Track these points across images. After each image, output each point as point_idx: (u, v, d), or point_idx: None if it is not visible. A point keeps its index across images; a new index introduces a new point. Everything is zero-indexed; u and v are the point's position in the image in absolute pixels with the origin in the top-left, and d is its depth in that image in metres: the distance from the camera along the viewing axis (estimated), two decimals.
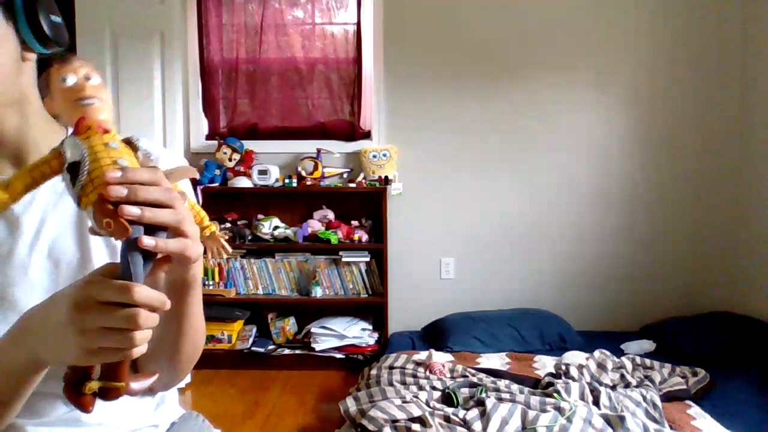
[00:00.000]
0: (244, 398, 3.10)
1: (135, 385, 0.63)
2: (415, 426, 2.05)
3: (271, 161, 3.57)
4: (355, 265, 3.53)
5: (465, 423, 2.08)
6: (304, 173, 3.50)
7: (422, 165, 3.60)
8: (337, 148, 3.60)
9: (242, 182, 3.48)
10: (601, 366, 2.72)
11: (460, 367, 2.72)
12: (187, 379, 3.07)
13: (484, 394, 2.30)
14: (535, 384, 2.57)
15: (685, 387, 2.53)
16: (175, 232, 0.61)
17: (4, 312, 0.79)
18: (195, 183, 3.38)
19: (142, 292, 0.57)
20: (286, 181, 3.50)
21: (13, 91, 0.78)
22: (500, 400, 2.23)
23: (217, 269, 3.56)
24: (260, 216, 3.59)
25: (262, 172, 3.49)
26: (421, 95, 3.59)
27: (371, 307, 3.59)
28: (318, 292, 3.48)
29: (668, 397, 2.43)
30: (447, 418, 2.12)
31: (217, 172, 3.51)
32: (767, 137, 3.30)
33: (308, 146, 3.59)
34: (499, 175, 3.61)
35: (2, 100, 0.77)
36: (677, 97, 3.54)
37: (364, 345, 3.44)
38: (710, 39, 3.50)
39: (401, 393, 2.38)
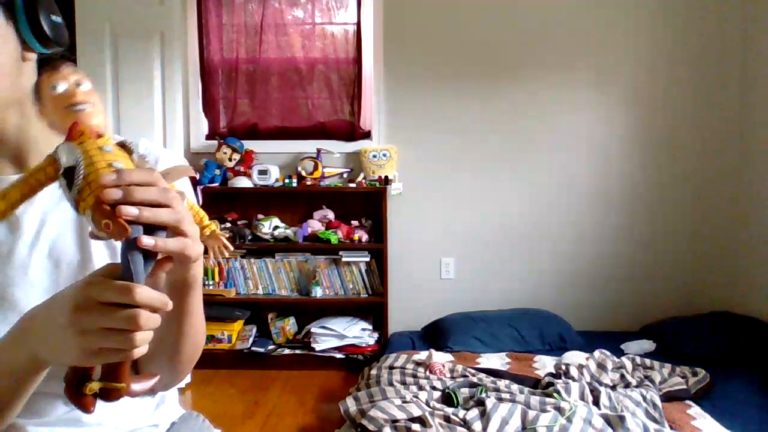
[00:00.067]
0: (244, 398, 3.10)
1: (136, 386, 0.62)
2: (415, 426, 2.05)
3: (271, 161, 3.57)
4: (355, 265, 3.53)
5: (465, 423, 2.08)
6: (304, 173, 3.50)
7: (422, 165, 3.60)
8: (337, 148, 3.60)
9: (242, 182, 3.48)
10: (601, 366, 2.72)
11: (460, 367, 2.72)
12: (187, 379, 3.07)
13: (484, 394, 2.30)
14: (535, 384, 2.57)
15: (685, 387, 2.53)
16: (174, 231, 0.61)
17: (4, 312, 0.79)
18: (195, 183, 3.38)
19: (143, 292, 0.57)
20: (286, 181, 3.50)
21: (13, 91, 0.78)
22: (500, 400, 2.23)
23: (217, 269, 3.56)
24: (260, 216, 3.59)
25: (262, 172, 3.49)
26: (421, 95, 3.59)
27: (371, 307, 3.59)
28: (318, 292, 3.48)
29: (668, 397, 2.44)
30: (447, 418, 2.12)
31: (217, 172, 3.51)
32: (767, 137, 3.30)
33: (308, 146, 3.59)
34: (499, 175, 3.61)
35: (3, 99, 0.77)
36: (677, 97, 3.54)
37: (364, 345, 3.44)
38: (710, 39, 3.50)
39: (401, 393, 2.38)
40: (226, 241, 0.93)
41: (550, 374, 2.66)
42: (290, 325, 3.58)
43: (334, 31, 3.66)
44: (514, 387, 2.48)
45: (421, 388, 2.49)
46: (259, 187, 3.49)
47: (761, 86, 3.33)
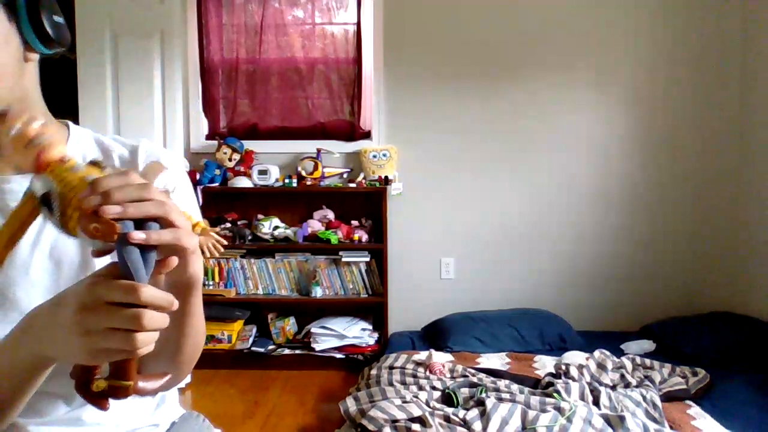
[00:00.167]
0: (244, 398, 3.10)
1: (145, 384, 0.62)
2: (415, 426, 2.05)
3: (271, 161, 3.57)
4: (355, 265, 3.53)
5: (465, 423, 2.08)
6: (304, 173, 3.50)
7: (422, 165, 3.60)
8: (337, 148, 3.60)
9: (242, 182, 3.48)
10: (601, 366, 2.72)
11: (460, 367, 2.72)
12: (187, 379, 3.07)
13: (484, 394, 2.31)
14: (535, 384, 2.57)
15: (685, 387, 2.53)
16: (164, 223, 0.60)
17: (5, 312, 0.79)
18: (195, 183, 3.39)
19: (148, 291, 0.57)
20: (286, 181, 3.50)
21: (16, 92, 0.78)
22: (500, 400, 2.23)
23: (217, 269, 3.56)
24: (260, 216, 3.59)
25: (262, 172, 3.49)
26: (421, 95, 3.59)
27: (371, 307, 3.59)
28: (318, 292, 3.48)
29: (668, 397, 2.44)
30: (447, 418, 2.12)
31: (217, 172, 3.51)
32: (767, 137, 3.30)
33: (308, 146, 3.59)
34: (499, 175, 3.61)
35: (5, 100, 0.77)
36: (677, 97, 3.54)
37: (364, 345, 3.44)
38: (710, 39, 3.50)
39: (401, 393, 2.38)
40: (218, 237, 0.93)
41: (550, 374, 2.66)
42: (290, 325, 3.58)
43: (334, 31, 3.66)
44: (514, 387, 2.48)
45: (421, 388, 2.49)
46: (259, 187, 3.49)
47: (761, 86, 3.33)
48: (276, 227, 3.51)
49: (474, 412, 2.12)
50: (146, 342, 0.58)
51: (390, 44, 3.57)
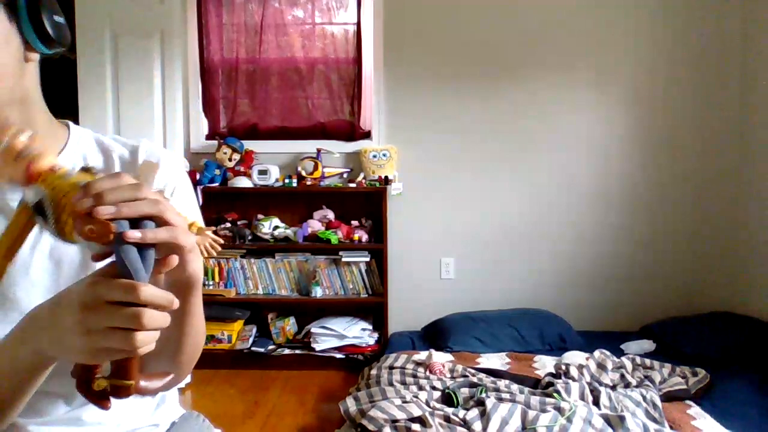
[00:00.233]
0: (244, 398, 3.10)
1: (147, 384, 0.62)
2: (415, 426, 2.05)
3: (271, 161, 3.57)
4: (355, 265, 3.53)
5: (465, 423, 2.08)
6: (304, 173, 3.50)
7: (422, 165, 3.60)
8: (337, 148, 3.60)
9: (242, 182, 3.48)
10: (601, 366, 2.72)
11: (460, 367, 2.72)
12: (188, 379, 3.07)
13: (484, 394, 2.31)
14: (535, 384, 2.57)
15: (685, 387, 2.53)
16: (159, 221, 0.60)
17: (5, 311, 0.79)
18: (195, 183, 3.38)
19: (147, 290, 0.57)
20: (286, 181, 3.50)
21: (16, 91, 0.78)
22: (500, 400, 2.23)
23: (217, 269, 3.56)
24: (260, 216, 3.59)
25: (262, 172, 3.49)
26: (421, 95, 3.59)
27: (371, 307, 3.59)
28: (318, 292, 3.48)
29: (668, 397, 2.44)
30: (447, 418, 2.12)
31: (217, 172, 3.51)
32: (767, 137, 3.30)
33: (308, 146, 3.59)
34: (499, 175, 3.61)
35: (6, 99, 0.77)
36: (677, 97, 3.54)
37: (364, 345, 3.44)
38: (710, 39, 3.50)
39: (401, 393, 2.38)
40: (214, 236, 0.93)
41: (550, 374, 2.66)
42: (290, 325, 3.58)
43: (334, 31, 3.66)
44: (514, 387, 2.48)
45: (421, 388, 2.49)
46: (259, 187, 3.49)
47: (761, 86, 3.33)
48: (276, 227, 3.51)
49: (474, 412, 2.12)
50: (146, 341, 0.58)
51: (390, 44, 3.57)
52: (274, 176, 3.51)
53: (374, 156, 3.47)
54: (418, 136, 3.60)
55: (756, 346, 2.96)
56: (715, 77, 3.52)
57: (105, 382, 0.60)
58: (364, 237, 3.48)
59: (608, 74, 3.55)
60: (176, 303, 0.60)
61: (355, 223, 3.57)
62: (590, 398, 2.33)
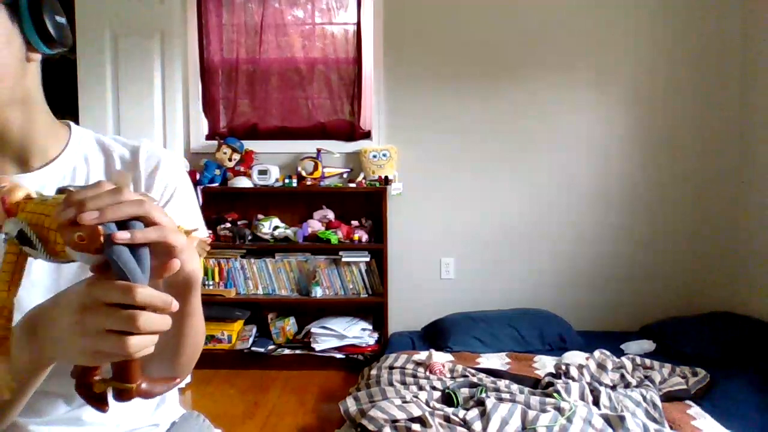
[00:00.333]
0: (244, 398, 3.10)
1: (150, 387, 0.61)
2: (415, 426, 2.05)
3: (271, 161, 3.57)
4: (355, 265, 3.53)
5: (465, 423, 2.08)
6: (304, 173, 3.50)
7: (422, 165, 3.60)
8: (337, 148, 3.60)
9: (242, 182, 3.48)
10: (601, 366, 2.72)
11: (460, 367, 2.72)
12: (187, 379, 3.07)
13: (484, 394, 2.31)
14: (535, 384, 2.57)
15: (685, 387, 2.53)
16: (147, 222, 0.60)
17: None
18: (195, 183, 3.38)
19: (143, 292, 0.56)
20: (286, 181, 3.50)
21: (17, 92, 0.78)
22: (500, 400, 2.23)
23: (217, 269, 3.56)
24: (260, 216, 3.59)
25: (262, 172, 3.49)
26: (421, 95, 3.59)
27: (371, 307, 3.59)
28: (318, 292, 3.48)
29: (668, 397, 2.44)
30: (447, 418, 2.12)
31: (217, 172, 3.51)
32: (767, 137, 3.30)
33: (308, 146, 3.59)
34: (499, 175, 3.61)
35: (7, 100, 0.77)
36: (677, 97, 3.54)
37: (364, 345, 3.44)
38: (710, 39, 3.50)
39: (401, 393, 2.39)
40: (203, 238, 0.93)
41: (550, 374, 2.66)
42: (290, 325, 3.58)
43: (334, 31, 3.66)
44: (514, 387, 2.48)
45: (421, 388, 2.49)
46: (259, 187, 3.49)
47: (761, 86, 3.34)
48: (276, 227, 3.51)
49: (474, 412, 2.12)
50: (142, 345, 0.57)
51: (390, 44, 3.57)
52: (274, 176, 3.51)
53: (374, 156, 3.48)
54: (418, 136, 3.60)
55: (756, 346, 2.96)
56: (715, 77, 3.52)
57: (105, 384, 0.60)
58: (364, 237, 3.48)
59: (608, 74, 3.55)
60: (175, 305, 0.59)
61: (355, 223, 3.57)
62: (590, 398, 2.33)
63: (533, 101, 3.57)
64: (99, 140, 0.93)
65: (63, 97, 3.16)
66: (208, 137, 3.68)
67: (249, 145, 3.58)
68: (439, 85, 3.58)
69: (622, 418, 2.06)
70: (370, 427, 2.10)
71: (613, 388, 2.52)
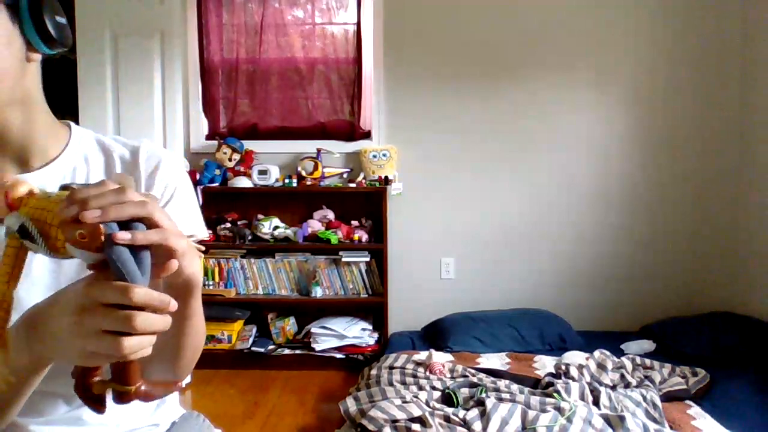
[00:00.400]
0: (244, 398, 3.10)
1: (150, 390, 0.61)
2: (415, 426, 2.05)
3: (271, 161, 3.57)
4: (355, 265, 3.52)
5: (465, 423, 2.08)
6: (304, 173, 3.50)
7: (422, 165, 3.60)
8: (337, 148, 3.60)
9: (242, 182, 3.48)
10: (601, 366, 2.72)
11: (460, 367, 2.72)
12: (188, 379, 3.07)
13: (484, 394, 2.31)
14: (535, 384, 2.57)
15: (685, 387, 2.53)
16: (149, 224, 0.60)
17: None
18: (195, 183, 3.38)
19: (140, 292, 0.56)
20: (286, 181, 3.50)
21: (18, 92, 0.78)
22: (500, 400, 2.23)
23: (217, 269, 3.55)
24: (260, 216, 3.59)
25: (262, 172, 3.49)
26: (421, 95, 3.59)
27: (371, 307, 3.59)
28: (318, 292, 3.48)
29: (668, 397, 2.44)
30: (447, 418, 2.12)
31: (217, 172, 3.51)
32: (767, 137, 3.30)
33: (308, 146, 3.59)
34: (499, 175, 3.61)
35: (7, 100, 0.77)
36: (677, 97, 3.54)
37: (364, 345, 3.44)
38: (710, 39, 3.50)
39: (401, 393, 2.39)
40: (197, 245, 0.93)
41: (550, 374, 2.66)
42: (290, 325, 3.58)
43: (334, 31, 3.66)
44: (514, 387, 2.48)
45: (421, 388, 2.49)
46: (259, 187, 3.49)
47: (761, 86, 3.34)
48: (276, 227, 3.51)
49: (474, 412, 2.12)
50: (138, 346, 0.57)
51: (390, 44, 3.57)
52: (274, 176, 3.51)
53: (374, 156, 3.48)
54: (418, 136, 3.60)
55: (756, 346, 2.96)
56: (715, 77, 3.52)
57: (104, 386, 0.59)
58: (364, 237, 3.48)
59: (608, 74, 3.55)
60: (174, 305, 0.59)
61: (355, 223, 3.57)
62: (590, 398, 2.33)
63: (533, 101, 3.57)
64: (99, 140, 0.93)
65: (63, 97, 3.16)
66: (208, 137, 3.68)
67: (249, 145, 3.58)
68: (439, 85, 3.58)
69: (622, 418, 2.06)
70: (370, 427, 2.10)
71: (613, 388, 2.52)
